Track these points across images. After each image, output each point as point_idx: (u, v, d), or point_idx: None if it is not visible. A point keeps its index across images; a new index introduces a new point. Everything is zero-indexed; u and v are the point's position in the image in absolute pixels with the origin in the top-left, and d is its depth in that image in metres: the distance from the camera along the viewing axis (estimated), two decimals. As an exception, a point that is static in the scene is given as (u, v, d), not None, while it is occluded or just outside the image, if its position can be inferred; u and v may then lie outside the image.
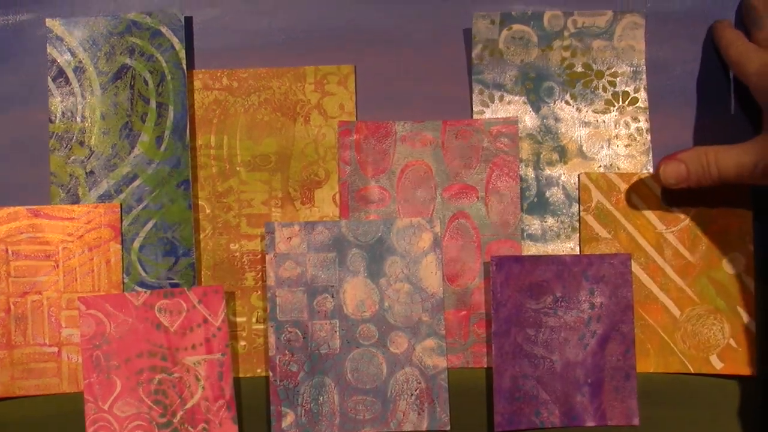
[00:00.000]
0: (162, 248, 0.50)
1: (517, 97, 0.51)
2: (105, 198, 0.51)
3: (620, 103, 0.51)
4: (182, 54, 0.51)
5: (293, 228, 0.50)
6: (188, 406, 0.49)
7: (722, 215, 0.50)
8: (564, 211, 0.51)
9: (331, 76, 0.52)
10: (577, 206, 0.51)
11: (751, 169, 0.46)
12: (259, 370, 0.50)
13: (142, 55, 0.51)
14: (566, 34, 0.51)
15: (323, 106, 0.51)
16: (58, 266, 0.50)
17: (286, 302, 0.50)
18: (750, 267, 0.50)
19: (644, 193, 0.51)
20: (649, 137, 0.51)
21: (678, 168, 0.48)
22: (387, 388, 0.50)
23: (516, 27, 0.51)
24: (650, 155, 0.51)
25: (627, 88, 0.51)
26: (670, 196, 0.50)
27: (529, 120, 0.51)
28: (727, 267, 0.50)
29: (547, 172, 0.51)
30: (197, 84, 0.52)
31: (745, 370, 0.50)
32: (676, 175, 0.48)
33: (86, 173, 0.51)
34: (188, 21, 0.52)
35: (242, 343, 0.51)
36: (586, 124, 0.51)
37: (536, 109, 0.51)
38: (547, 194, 0.51)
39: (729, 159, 0.46)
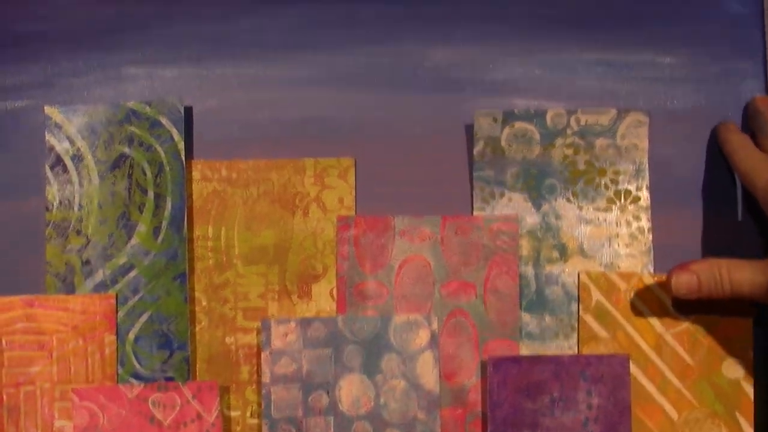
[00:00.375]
0: (157, 341, 0.50)
1: (518, 194, 0.51)
2: (101, 288, 0.50)
3: (622, 201, 0.51)
4: (181, 146, 0.51)
5: (289, 324, 0.50)
6: (180, 503, 0.49)
7: (723, 320, 0.50)
8: (563, 309, 0.51)
9: (331, 169, 0.51)
10: (577, 305, 0.51)
11: (765, 290, 0.45)
12: (252, 466, 0.50)
13: (140, 144, 0.51)
14: (569, 131, 0.51)
15: (322, 200, 0.51)
16: (52, 356, 0.50)
17: (280, 399, 0.49)
18: (749, 373, 0.50)
19: (644, 294, 0.50)
20: (650, 237, 0.51)
21: (690, 279, 0.47)
22: (381, 488, 0.49)
23: (518, 125, 0.51)
24: (651, 255, 0.51)
25: (629, 187, 0.51)
26: (672, 300, 0.50)
27: (529, 217, 0.51)
28: (726, 371, 0.50)
29: (547, 269, 0.51)
30: (196, 174, 0.51)
31: (742, 476, 0.49)
32: (688, 286, 0.47)
33: (82, 262, 0.51)
34: (188, 111, 0.52)
35: (236, 438, 0.50)
36: (588, 222, 0.51)
37: (537, 207, 0.51)
38: (547, 292, 0.51)
39: (743, 276, 0.46)
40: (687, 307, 0.50)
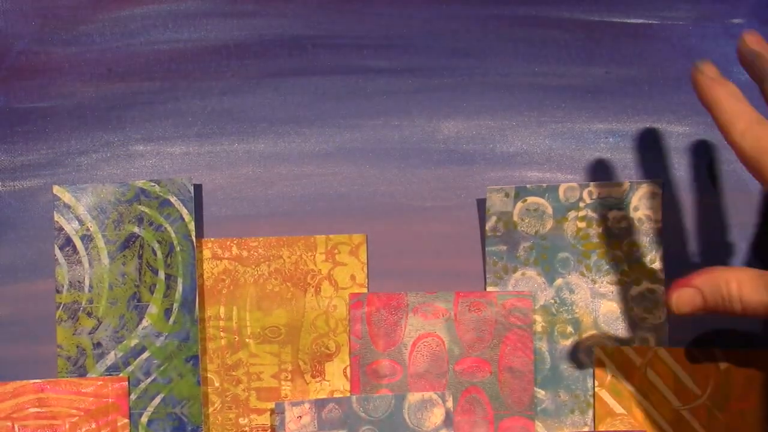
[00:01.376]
0: (170, 424, 0.50)
1: (531, 269, 0.51)
2: (112, 370, 0.50)
3: (636, 274, 0.50)
4: (191, 226, 0.50)
5: (303, 407, 0.49)
6: None
7: (739, 394, 0.49)
8: (578, 385, 0.50)
9: (343, 246, 0.51)
10: (592, 381, 0.50)
11: None
12: None
13: (150, 224, 0.50)
14: (582, 205, 0.51)
15: (334, 277, 0.51)
16: (64, 440, 0.50)
17: (296, 482, 0.49)
18: (768, 448, 0.49)
19: (660, 368, 0.50)
20: (665, 310, 0.50)
21: (693, 297, 0.41)
22: None
23: (531, 199, 0.50)
24: (666, 328, 0.50)
25: (643, 259, 0.50)
26: (686, 370, 0.49)
27: (543, 292, 0.51)
28: (744, 446, 0.49)
29: (561, 345, 0.50)
30: (206, 253, 0.51)
31: None
32: (691, 305, 0.41)
33: (93, 345, 0.50)
34: (197, 188, 0.51)
35: None
36: (602, 296, 0.50)
37: (551, 281, 0.51)
38: (561, 368, 0.50)
39: (755, 295, 0.39)
40: (701, 379, 0.49)
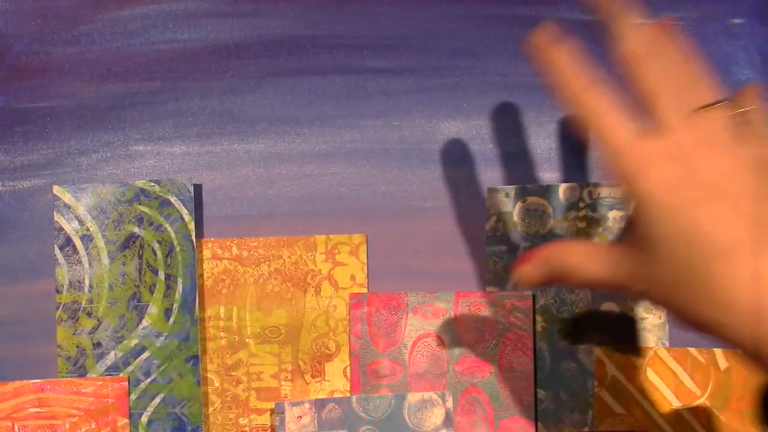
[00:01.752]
0: (170, 424, 0.50)
1: (531, 269, 0.50)
2: (112, 370, 0.50)
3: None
4: (191, 226, 0.50)
5: (303, 407, 0.49)
6: None
7: (739, 394, 0.49)
8: (578, 385, 0.50)
9: (343, 246, 0.51)
10: (592, 381, 0.50)
11: (614, 285, 0.39)
12: None
13: (150, 224, 0.50)
14: (582, 204, 0.51)
15: (334, 277, 0.51)
16: (64, 440, 0.50)
17: (296, 482, 0.49)
18: (768, 448, 0.49)
19: (660, 368, 0.50)
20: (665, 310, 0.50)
21: (531, 272, 0.41)
22: None
23: (531, 199, 0.50)
24: (666, 329, 0.50)
25: (643, 260, 0.50)
26: (686, 370, 0.49)
27: (543, 292, 0.50)
28: (744, 446, 0.49)
29: (561, 345, 0.50)
30: (206, 253, 0.51)
31: None
32: (530, 279, 0.41)
33: (93, 345, 0.50)
34: (197, 188, 0.51)
35: None
36: (602, 296, 0.50)
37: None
38: (561, 368, 0.50)
39: (589, 269, 0.39)
40: (701, 380, 0.49)
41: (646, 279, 0.37)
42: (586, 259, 0.39)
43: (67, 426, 0.50)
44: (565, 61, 0.39)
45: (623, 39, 0.39)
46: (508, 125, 0.52)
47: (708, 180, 0.35)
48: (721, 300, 0.35)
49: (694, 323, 0.36)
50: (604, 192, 0.50)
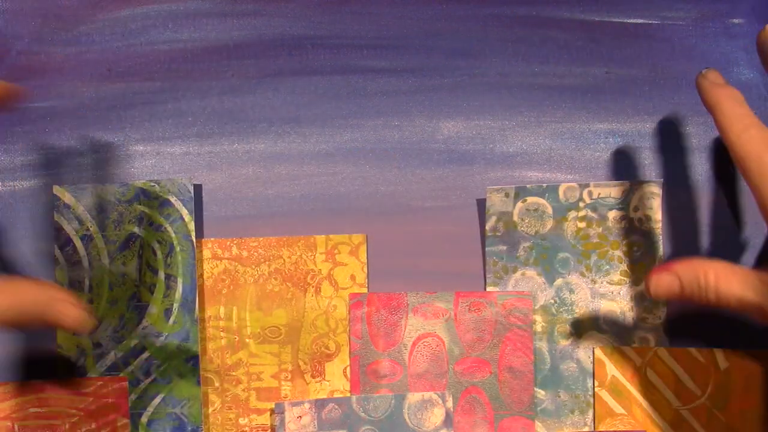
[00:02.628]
0: (170, 424, 0.50)
1: (531, 269, 0.51)
2: (112, 370, 0.50)
3: (636, 274, 0.50)
4: (191, 226, 0.50)
5: (303, 407, 0.49)
6: None
7: (739, 394, 0.49)
8: (578, 385, 0.50)
9: (343, 246, 0.51)
10: (592, 381, 0.50)
11: (756, 310, 0.41)
12: None
13: (150, 224, 0.50)
14: (581, 205, 0.51)
15: (334, 277, 0.51)
16: (64, 440, 0.50)
17: (295, 482, 0.49)
18: (768, 448, 0.49)
19: (660, 368, 0.50)
20: (665, 310, 0.50)
21: (671, 282, 0.43)
22: None
23: (530, 199, 0.50)
24: (667, 328, 0.50)
25: (643, 259, 0.50)
26: (686, 370, 0.49)
27: (543, 292, 0.50)
28: (744, 446, 0.49)
29: (561, 345, 0.50)
30: (206, 253, 0.51)
31: None
32: (668, 289, 0.43)
33: (93, 345, 0.50)
34: (197, 188, 0.51)
35: None
36: (602, 296, 0.50)
37: (550, 281, 0.50)
38: (561, 368, 0.50)
39: (731, 288, 0.41)
40: (701, 380, 0.49)
41: None
42: (730, 277, 0.41)
43: (67, 426, 0.50)
44: (728, 103, 0.41)
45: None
46: (508, 125, 0.52)
47: None
48: None
49: None
50: (604, 192, 0.50)
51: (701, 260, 0.42)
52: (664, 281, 0.43)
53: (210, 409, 0.50)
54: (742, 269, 0.42)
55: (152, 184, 0.51)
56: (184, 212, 0.50)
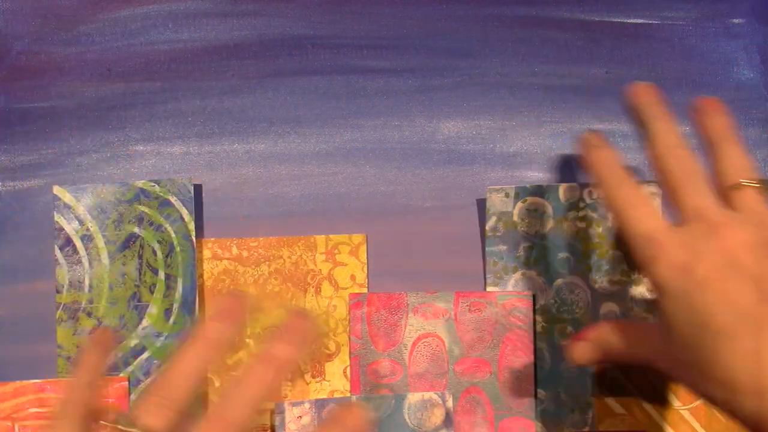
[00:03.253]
0: (170, 424, 0.50)
1: (531, 269, 0.51)
2: (112, 370, 0.50)
3: (636, 274, 0.50)
4: (191, 226, 0.50)
5: (303, 407, 0.49)
6: None
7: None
8: (578, 385, 0.50)
9: (343, 246, 0.51)
10: (592, 381, 0.50)
11: (644, 363, 0.42)
12: None
13: (150, 224, 0.50)
14: (581, 205, 0.51)
15: (334, 277, 0.51)
16: (64, 440, 0.50)
17: (296, 482, 0.49)
18: (768, 448, 0.49)
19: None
20: (665, 310, 0.50)
21: (586, 349, 0.44)
22: None
23: (531, 199, 0.50)
24: (666, 328, 0.50)
25: (643, 260, 0.50)
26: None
27: (543, 292, 0.50)
28: (744, 447, 0.49)
29: (562, 345, 0.50)
30: (206, 253, 0.51)
31: None
32: (587, 356, 0.44)
33: (94, 345, 0.50)
34: (197, 188, 0.51)
35: None
36: (602, 296, 0.50)
37: (550, 281, 0.50)
38: (561, 368, 0.50)
39: (625, 347, 0.42)
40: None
41: (666, 358, 0.40)
42: (626, 336, 0.42)
43: (67, 426, 0.50)
44: (605, 162, 0.43)
45: (652, 141, 0.43)
46: (508, 125, 0.52)
47: (714, 263, 0.38)
48: (724, 378, 0.37)
49: (705, 399, 0.39)
50: (604, 192, 0.50)
51: (607, 323, 0.43)
52: (581, 350, 0.44)
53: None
54: (633, 326, 0.43)
55: (152, 184, 0.51)
56: (184, 212, 0.50)
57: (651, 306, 0.50)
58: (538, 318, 0.50)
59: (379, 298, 0.51)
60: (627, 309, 0.50)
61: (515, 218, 0.51)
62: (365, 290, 0.51)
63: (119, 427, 0.34)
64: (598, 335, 0.44)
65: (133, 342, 0.50)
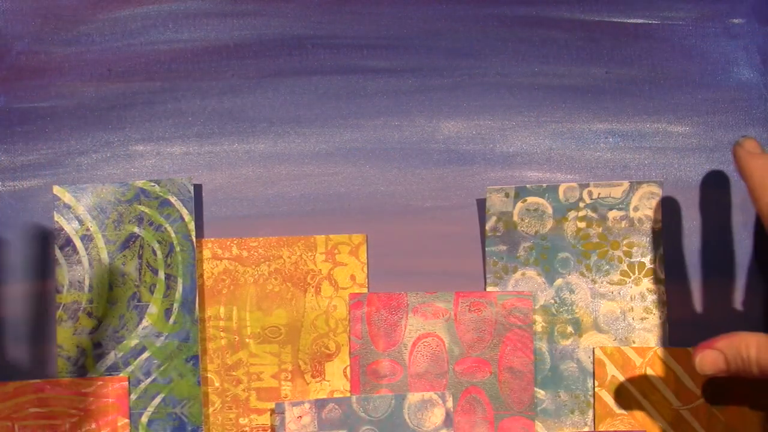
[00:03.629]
0: (171, 424, 0.50)
1: (531, 269, 0.51)
2: (112, 370, 0.50)
3: (636, 274, 0.50)
4: (191, 226, 0.50)
5: (303, 407, 0.49)
6: None
7: (739, 394, 0.49)
8: (578, 385, 0.50)
9: (343, 246, 0.51)
10: (592, 381, 0.50)
11: None
12: None
13: (150, 224, 0.50)
14: (581, 204, 0.51)
15: (334, 277, 0.51)
16: (64, 440, 0.50)
17: (296, 482, 0.49)
18: (768, 448, 0.49)
19: (660, 368, 0.50)
20: (665, 310, 0.50)
21: (715, 359, 0.44)
22: None
23: (530, 199, 0.50)
24: (666, 328, 0.50)
25: (643, 259, 0.50)
26: (686, 370, 0.49)
27: (543, 292, 0.50)
28: (744, 446, 0.49)
29: (561, 345, 0.50)
30: (206, 253, 0.51)
31: None
32: (713, 366, 0.44)
33: (93, 345, 0.50)
34: (197, 188, 0.51)
35: None
36: (602, 296, 0.50)
37: (550, 281, 0.50)
38: (561, 368, 0.50)
39: None
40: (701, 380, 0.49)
41: None
42: (758, 349, 0.42)
43: (67, 426, 0.50)
44: (761, 172, 0.43)
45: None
46: (508, 125, 0.52)
47: None
48: None
49: None
50: (604, 192, 0.50)
51: (742, 334, 0.43)
52: (709, 358, 0.44)
53: (210, 409, 0.50)
54: (764, 337, 0.42)
55: (152, 184, 0.51)
56: (184, 212, 0.50)
57: (651, 306, 0.50)
58: (538, 318, 0.50)
59: (379, 298, 0.51)
60: (627, 309, 0.50)
61: (515, 218, 0.51)
62: (365, 290, 0.51)
63: None
64: (728, 344, 0.43)
65: (133, 342, 0.50)
